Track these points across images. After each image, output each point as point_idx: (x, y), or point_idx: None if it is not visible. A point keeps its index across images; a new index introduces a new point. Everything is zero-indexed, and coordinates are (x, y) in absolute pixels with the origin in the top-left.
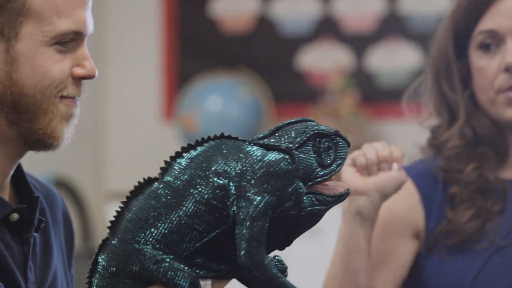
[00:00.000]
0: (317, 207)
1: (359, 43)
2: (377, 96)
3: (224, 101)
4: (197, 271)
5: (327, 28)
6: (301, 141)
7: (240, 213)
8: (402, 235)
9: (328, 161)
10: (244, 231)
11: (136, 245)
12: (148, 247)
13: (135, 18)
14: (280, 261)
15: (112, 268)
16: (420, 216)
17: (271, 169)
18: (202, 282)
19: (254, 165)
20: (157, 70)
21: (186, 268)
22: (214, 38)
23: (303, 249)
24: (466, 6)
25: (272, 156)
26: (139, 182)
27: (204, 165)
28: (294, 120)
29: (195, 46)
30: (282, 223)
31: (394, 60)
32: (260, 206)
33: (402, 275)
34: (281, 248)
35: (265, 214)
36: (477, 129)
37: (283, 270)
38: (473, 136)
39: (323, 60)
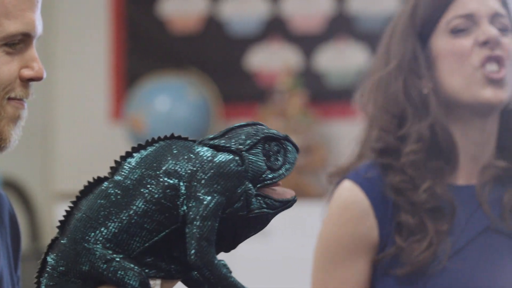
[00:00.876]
0: (265, 209)
1: (308, 43)
2: (325, 96)
3: (173, 101)
4: (147, 270)
5: (275, 28)
6: (251, 144)
7: (191, 213)
8: (366, 254)
9: (277, 165)
10: (195, 230)
11: (86, 244)
12: (98, 246)
13: (83, 18)
14: (224, 265)
15: (61, 268)
16: (375, 231)
17: (221, 170)
18: (151, 282)
19: (204, 166)
20: (105, 70)
21: (136, 267)
22: (163, 38)
23: (249, 251)
24: None
25: (222, 157)
26: (88, 182)
27: (154, 164)
28: (244, 123)
29: (144, 46)
30: (231, 224)
31: (342, 60)
32: (210, 206)
33: None
34: (227, 250)
35: (215, 214)
36: (430, 131)
37: None
38: (430, 138)
39: (271, 60)
